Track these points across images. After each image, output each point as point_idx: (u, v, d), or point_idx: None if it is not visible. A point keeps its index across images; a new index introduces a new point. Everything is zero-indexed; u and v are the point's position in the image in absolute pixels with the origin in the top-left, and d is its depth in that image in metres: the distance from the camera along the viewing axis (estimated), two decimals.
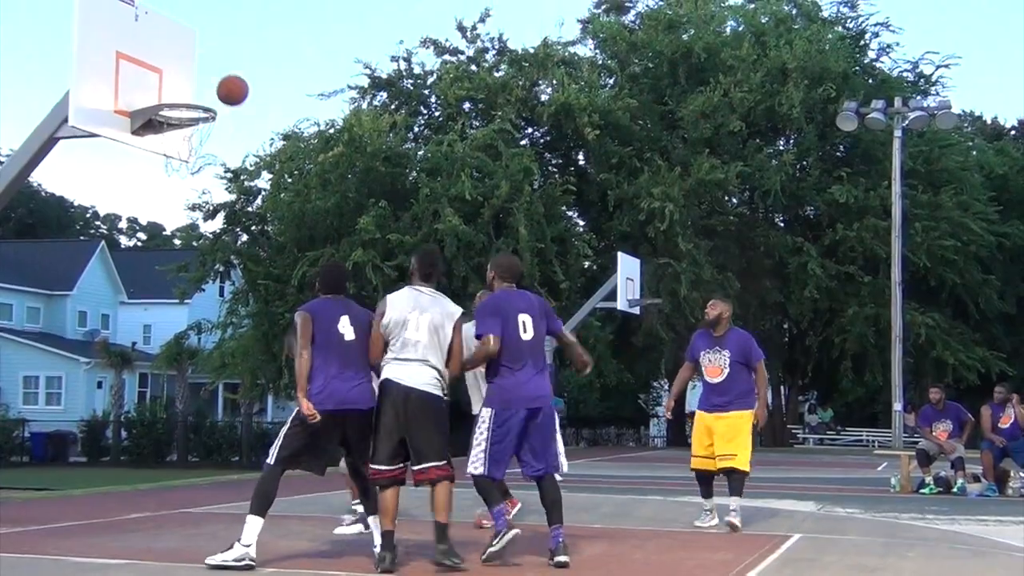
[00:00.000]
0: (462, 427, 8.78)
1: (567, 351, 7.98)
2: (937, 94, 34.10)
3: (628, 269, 24.39)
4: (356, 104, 32.37)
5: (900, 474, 15.65)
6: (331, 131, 30.12)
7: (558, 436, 7.93)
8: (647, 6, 39.32)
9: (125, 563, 7.13)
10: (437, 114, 33.00)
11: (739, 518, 9.38)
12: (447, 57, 33.23)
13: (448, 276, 27.53)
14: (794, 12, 36.12)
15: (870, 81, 33.64)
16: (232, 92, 8.99)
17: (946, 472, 14.88)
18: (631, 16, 39.90)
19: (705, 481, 10.02)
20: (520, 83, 32.03)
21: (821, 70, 31.93)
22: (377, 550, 6.97)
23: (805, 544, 8.79)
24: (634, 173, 30.96)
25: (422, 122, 33.27)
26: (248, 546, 6.91)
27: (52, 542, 8.18)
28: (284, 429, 7.27)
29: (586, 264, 30.34)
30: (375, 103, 32.60)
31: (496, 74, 32.56)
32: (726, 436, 9.67)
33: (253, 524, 7.00)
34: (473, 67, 32.79)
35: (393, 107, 32.08)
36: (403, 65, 33.11)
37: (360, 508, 8.24)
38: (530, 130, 32.92)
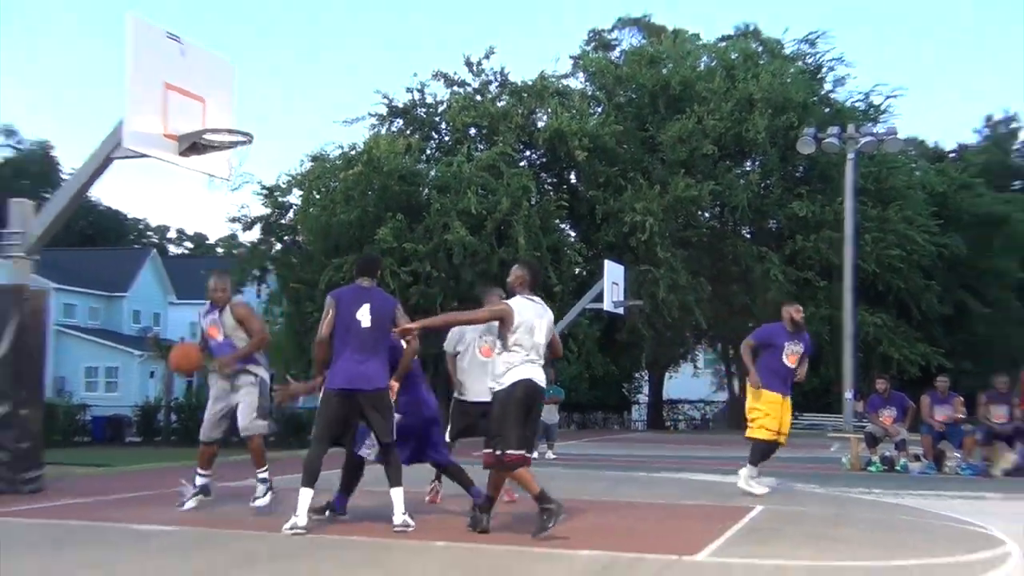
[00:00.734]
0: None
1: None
2: (885, 121, 34.10)
3: (613, 275, 24.45)
4: (375, 129, 32.41)
5: (850, 454, 15.67)
6: (353, 153, 30.13)
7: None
8: (631, 44, 39.46)
9: (178, 529, 7.13)
10: (446, 138, 32.99)
11: None
12: (455, 88, 33.26)
13: (456, 280, 27.63)
14: (760, 49, 36.22)
15: (826, 110, 33.64)
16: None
17: (890, 452, 14.91)
18: (616, 53, 39.93)
19: (770, 453, 10.56)
20: (519, 111, 32.05)
21: (783, 100, 31.98)
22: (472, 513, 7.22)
23: (767, 515, 8.78)
24: (619, 191, 31.02)
25: (433, 145, 33.26)
26: (298, 515, 7.00)
27: (113, 511, 8.18)
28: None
29: (577, 270, 30.35)
30: (392, 128, 32.62)
31: (498, 104, 32.61)
32: (788, 417, 10.42)
33: (304, 496, 7.07)
34: (478, 97, 32.86)
35: (408, 132, 32.06)
36: (417, 95, 33.15)
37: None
38: (528, 153, 32.93)
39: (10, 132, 69.57)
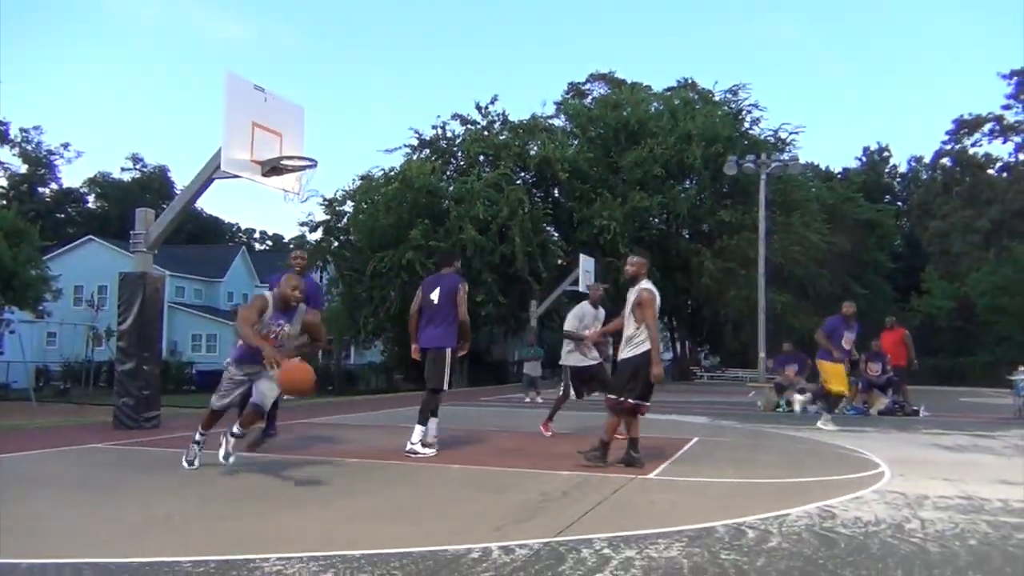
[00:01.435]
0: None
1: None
2: (789, 151, 34.12)
3: (586, 265, 24.41)
4: (409, 156, 32.36)
5: (763, 399, 15.68)
6: (392, 174, 30.18)
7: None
8: (600, 93, 39.30)
9: (251, 455, 7.12)
10: (462, 163, 32.91)
11: None
12: (468, 126, 33.17)
13: (468, 267, 27.65)
14: (696, 97, 36.08)
15: (746, 142, 33.55)
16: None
17: (793, 398, 14.90)
18: (589, 99, 39.76)
19: (838, 403, 11.67)
20: (516, 143, 31.98)
21: (714, 135, 31.91)
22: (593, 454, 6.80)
23: (700, 445, 8.79)
24: (590, 202, 30.98)
25: (452, 168, 33.18)
26: (415, 443, 7.25)
27: (211, 442, 8.19)
28: None
29: (559, 262, 30.32)
30: (421, 156, 32.55)
31: (500, 137, 32.53)
32: (845, 378, 11.35)
33: (417, 431, 7.34)
34: (485, 132, 32.75)
35: (433, 158, 32.02)
36: (440, 131, 33.10)
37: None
38: (523, 174, 32.83)
39: (137, 159, 69.60)
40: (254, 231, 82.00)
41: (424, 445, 7.35)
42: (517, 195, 28.85)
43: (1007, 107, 39.55)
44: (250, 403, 6.14)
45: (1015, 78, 38.84)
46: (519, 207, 28.61)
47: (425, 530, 4.40)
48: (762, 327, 25.54)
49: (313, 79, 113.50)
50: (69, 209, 64.23)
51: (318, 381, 7.18)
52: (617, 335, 7.21)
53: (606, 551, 3.99)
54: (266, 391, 6.01)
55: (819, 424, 10.95)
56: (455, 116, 33.10)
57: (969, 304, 37.45)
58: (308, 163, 9.21)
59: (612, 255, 29.37)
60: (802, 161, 34.26)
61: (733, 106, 36.24)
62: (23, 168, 59.48)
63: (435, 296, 7.48)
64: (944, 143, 42.57)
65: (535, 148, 32.25)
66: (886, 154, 51.49)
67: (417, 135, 32.81)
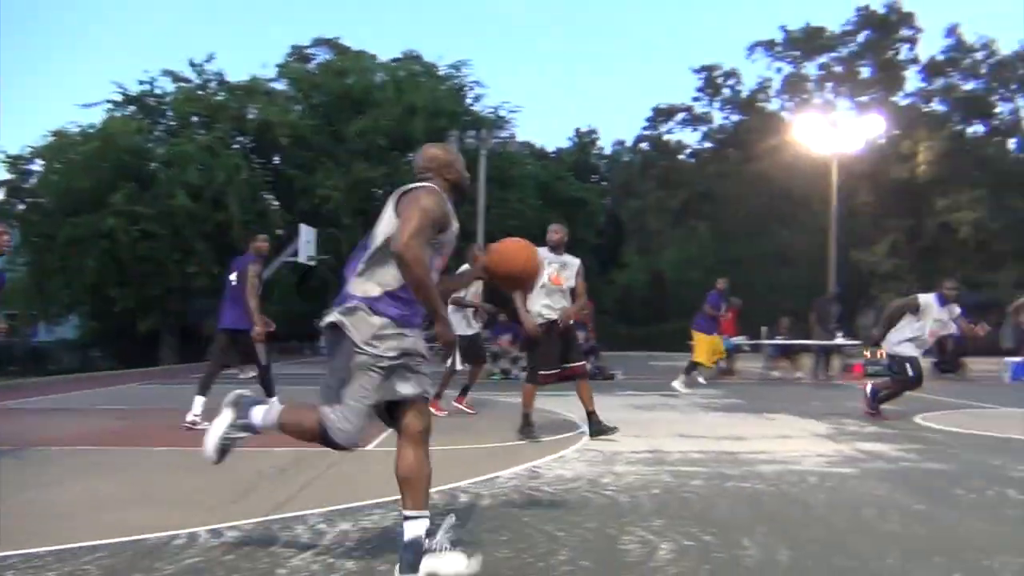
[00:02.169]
0: None
1: None
2: (508, 129, 35.50)
3: (307, 236, 23.92)
4: (111, 112, 29.58)
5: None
6: (91, 131, 27.53)
7: None
8: (324, 59, 38.33)
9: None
10: (173, 123, 30.63)
11: None
12: (181, 83, 30.91)
13: (178, 235, 26.06)
14: (420, 69, 36.36)
15: (467, 118, 34.41)
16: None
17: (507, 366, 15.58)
18: (313, 65, 38.64)
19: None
20: (234, 105, 30.39)
21: (437, 108, 32.36)
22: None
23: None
24: (313, 171, 30.27)
25: (161, 128, 30.79)
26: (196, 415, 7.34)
27: None
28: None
29: (279, 232, 29.37)
30: (125, 112, 29.89)
31: (217, 98, 30.71)
32: None
33: (198, 402, 7.44)
34: (200, 92, 30.73)
35: (140, 116, 29.57)
36: (148, 87, 30.54)
37: None
38: (241, 138, 31.26)
39: None
40: None
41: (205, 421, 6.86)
42: (234, 160, 27.51)
43: (696, 99, 44.12)
44: None
45: (704, 73, 43.41)
46: (236, 173, 27.31)
47: (126, 518, 4.12)
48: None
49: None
50: None
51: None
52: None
53: (321, 526, 3.99)
54: None
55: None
56: (166, 72, 30.68)
57: (661, 277, 41.56)
58: None
59: (334, 226, 28.98)
60: (520, 140, 35.84)
61: (456, 81, 36.97)
62: None
63: (233, 277, 7.70)
64: (644, 128, 46.59)
65: (254, 112, 30.84)
66: (594, 136, 55.23)
67: (121, 90, 30.05)
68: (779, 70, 41.27)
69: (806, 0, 75.62)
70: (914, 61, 38.72)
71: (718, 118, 44.36)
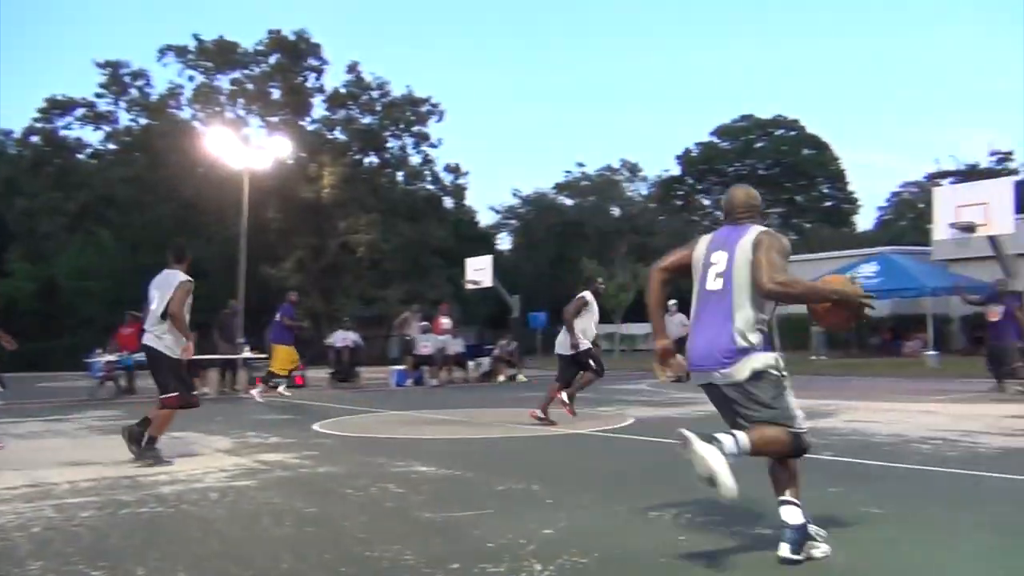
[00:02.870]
0: None
1: None
2: None
3: None
4: None
5: None
6: None
7: None
8: None
9: None
10: None
11: None
12: None
13: None
14: None
15: None
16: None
17: None
18: None
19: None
20: None
21: None
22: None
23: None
24: None
25: None
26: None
27: None
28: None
29: None
30: None
31: None
32: None
33: None
34: None
35: None
36: None
37: None
38: None
39: None
40: None
41: None
42: None
43: (100, 95, 40.95)
44: None
45: (108, 68, 40.50)
46: None
47: None
48: None
49: None
50: None
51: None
52: None
53: None
54: None
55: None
56: None
57: (54, 286, 37.53)
58: None
59: None
60: None
61: None
62: None
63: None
64: (35, 120, 41.62)
65: None
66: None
67: None
68: (191, 78, 40.66)
69: (221, 11, 76.10)
70: (320, 90, 41.59)
71: (125, 119, 41.87)
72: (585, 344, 9.52)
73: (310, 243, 38.46)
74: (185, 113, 41.21)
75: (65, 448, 7.89)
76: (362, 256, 37.92)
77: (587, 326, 9.58)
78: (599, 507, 4.84)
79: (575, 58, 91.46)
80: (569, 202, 54.75)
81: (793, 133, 56.06)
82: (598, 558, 3.62)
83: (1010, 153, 45.87)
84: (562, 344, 9.64)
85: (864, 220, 59.11)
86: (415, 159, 42.55)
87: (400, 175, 42.96)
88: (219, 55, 40.29)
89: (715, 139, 57.65)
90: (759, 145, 56.29)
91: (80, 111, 41.36)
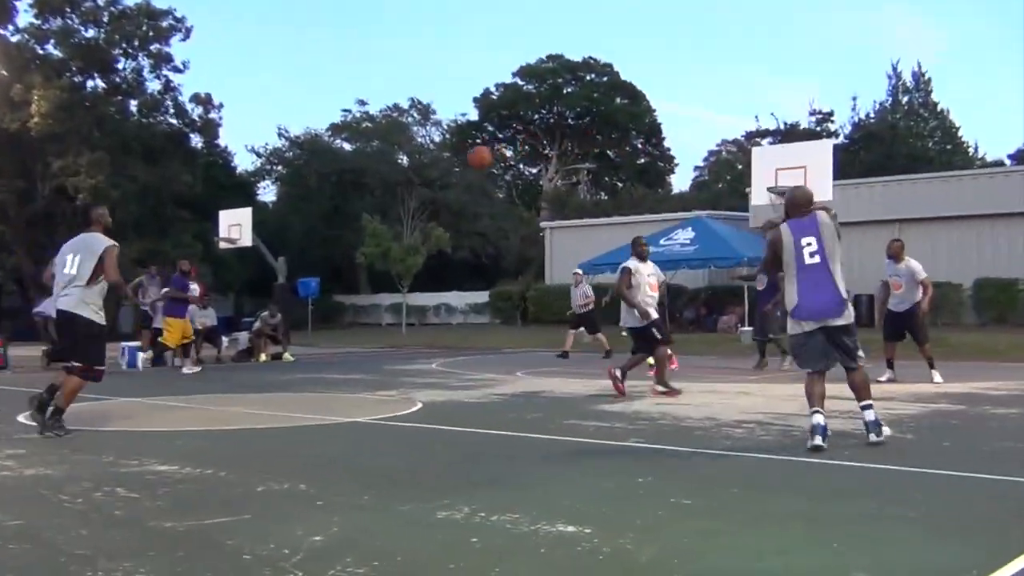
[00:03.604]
0: None
1: None
2: None
3: None
4: None
5: None
6: None
7: None
8: None
9: None
10: None
11: None
12: None
13: None
14: None
15: None
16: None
17: None
18: None
19: None
20: None
21: None
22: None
23: None
24: None
25: None
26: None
27: None
28: None
29: None
30: None
31: None
32: None
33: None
34: None
35: None
36: None
37: None
38: None
39: None
40: None
41: None
42: None
43: None
44: None
45: None
46: None
47: None
48: None
49: None
50: None
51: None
52: None
53: None
54: None
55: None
56: None
57: None
58: None
59: None
60: None
61: None
62: None
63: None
64: None
65: None
66: None
67: None
68: None
69: None
70: None
71: None
72: (654, 312, 10.63)
73: (15, 187, 35.65)
74: None
75: None
76: (84, 204, 35.67)
77: (644, 293, 10.58)
78: (379, 508, 4.87)
79: None
80: (348, 147, 54.10)
81: (605, 79, 58.00)
82: (378, 567, 3.65)
83: (830, 114, 49.98)
84: (630, 317, 10.64)
85: (681, 180, 62.71)
86: (154, 85, 40.29)
87: (134, 104, 40.59)
88: None
89: (519, 81, 58.71)
90: (568, 91, 57.83)
91: None
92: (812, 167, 17.81)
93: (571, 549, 3.86)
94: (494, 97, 59.05)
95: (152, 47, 39.47)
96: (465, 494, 5.03)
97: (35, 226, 36.23)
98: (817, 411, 6.46)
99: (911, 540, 4.03)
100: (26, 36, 38.16)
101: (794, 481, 5.61)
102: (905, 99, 47.80)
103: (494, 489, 5.34)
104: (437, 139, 59.57)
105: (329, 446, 7.41)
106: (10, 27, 38.14)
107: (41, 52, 38.22)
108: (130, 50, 39.57)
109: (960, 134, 47.71)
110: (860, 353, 6.68)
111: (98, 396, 11.22)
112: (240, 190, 43.50)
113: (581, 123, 58.58)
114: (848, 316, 6.61)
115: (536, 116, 58.93)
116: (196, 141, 42.97)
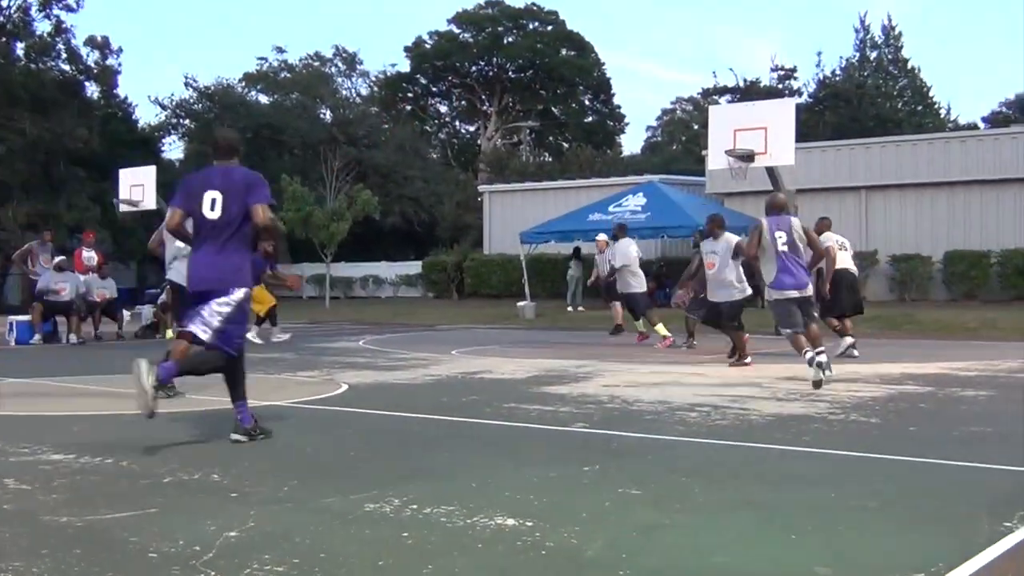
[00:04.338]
0: None
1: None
2: None
3: None
4: None
5: None
6: None
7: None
8: None
9: None
10: None
11: None
12: None
13: None
14: None
15: None
16: None
17: None
18: None
19: None
20: None
21: None
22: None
23: None
24: None
25: None
26: None
27: None
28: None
29: None
30: None
31: None
32: None
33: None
34: None
35: None
36: None
37: None
38: None
39: None
40: None
41: None
42: None
43: None
44: None
45: None
46: None
47: None
48: None
49: None
50: None
51: None
52: None
53: None
54: None
55: None
56: None
57: None
58: None
59: None
60: None
61: None
62: None
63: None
64: None
65: None
66: None
67: None
68: None
69: None
70: None
71: None
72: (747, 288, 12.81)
73: None
74: None
75: None
76: None
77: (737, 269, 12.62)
78: (300, 500, 4.86)
79: None
80: (264, 99, 53.45)
81: (550, 29, 57.94)
82: (299, 565, 3.65)
83: (793, 70, 50.60)
84: (724, 291, 12.58)
85: (632, 141, 62.98)
86: (43, 26, 39.32)
87: (20, 47, 39.55)
88: None
89: (455, 28, 58.37)
90: (509, 40, 57.66)
91: None
92: (773, 128, 18.02)
93: (511, 544, 3.90)
94: (427, 46, 58.67)
95: None
96: (395, 485, 5.05)
97: None
98: (808, 350, 9.17)
99: (874, 531, 4.13)
100: None
101: (750, 468, 5.71)
102: (873, 55, 48.55)
103: (427, 480, 5.37)
104: (364, 92, 59.11)
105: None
106: None
107: None
108: None
109: (932, 94, 48.70)
110: (815, 313, 10.28)
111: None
112: (143, 146, 42.77)
113: (523, 77, 58.51)
114: (811, 290, 10.08)
115: (474, 68, 58.70)
116: (92, 91, 42.14)
